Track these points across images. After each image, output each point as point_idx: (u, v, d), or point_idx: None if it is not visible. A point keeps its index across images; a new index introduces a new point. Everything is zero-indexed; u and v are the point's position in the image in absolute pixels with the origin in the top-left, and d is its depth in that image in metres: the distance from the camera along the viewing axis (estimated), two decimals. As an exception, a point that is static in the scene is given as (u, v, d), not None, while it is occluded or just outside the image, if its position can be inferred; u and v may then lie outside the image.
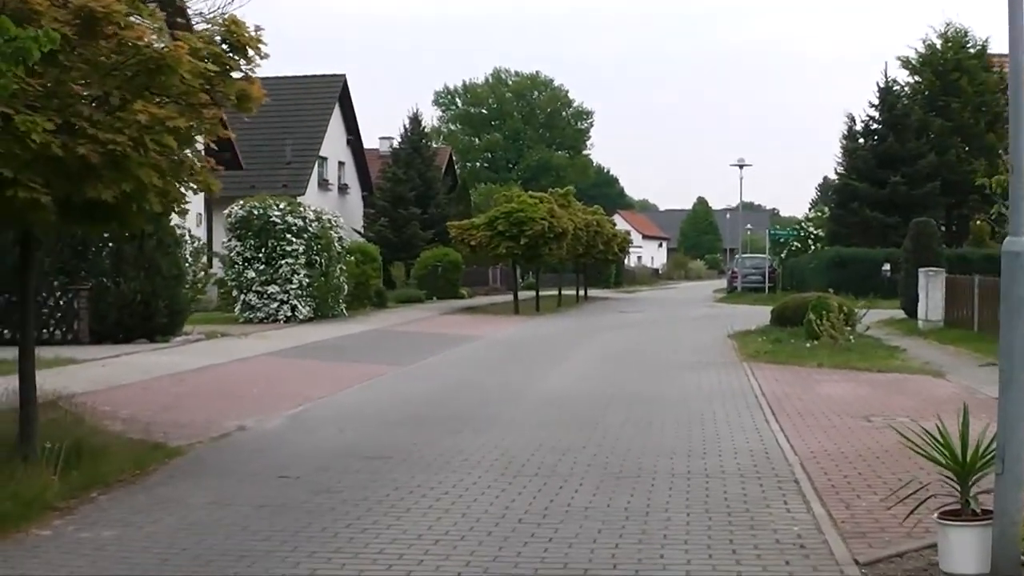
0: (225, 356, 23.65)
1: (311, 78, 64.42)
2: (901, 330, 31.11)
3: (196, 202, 43.52)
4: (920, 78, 59.30)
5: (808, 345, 24.53)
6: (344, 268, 37.56)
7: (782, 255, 68.32)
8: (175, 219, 38.28)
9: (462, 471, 11.35)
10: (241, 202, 35.19)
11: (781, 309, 30.82)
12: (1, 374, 14.95)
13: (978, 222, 48.91)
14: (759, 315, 35.13)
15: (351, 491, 10.45)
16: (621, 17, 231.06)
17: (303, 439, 13.67)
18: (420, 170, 64.50)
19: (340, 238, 37.14)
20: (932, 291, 31.02)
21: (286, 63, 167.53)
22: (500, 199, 46.26)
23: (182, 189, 12.53)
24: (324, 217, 36.05)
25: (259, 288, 34.14)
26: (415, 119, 67.05)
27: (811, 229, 69.01)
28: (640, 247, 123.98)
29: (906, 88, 60.23)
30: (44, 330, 26.04)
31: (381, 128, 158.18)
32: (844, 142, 60.14)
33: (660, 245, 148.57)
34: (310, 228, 34.74)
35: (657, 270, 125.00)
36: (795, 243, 68.66)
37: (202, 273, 37.78)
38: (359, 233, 59.72)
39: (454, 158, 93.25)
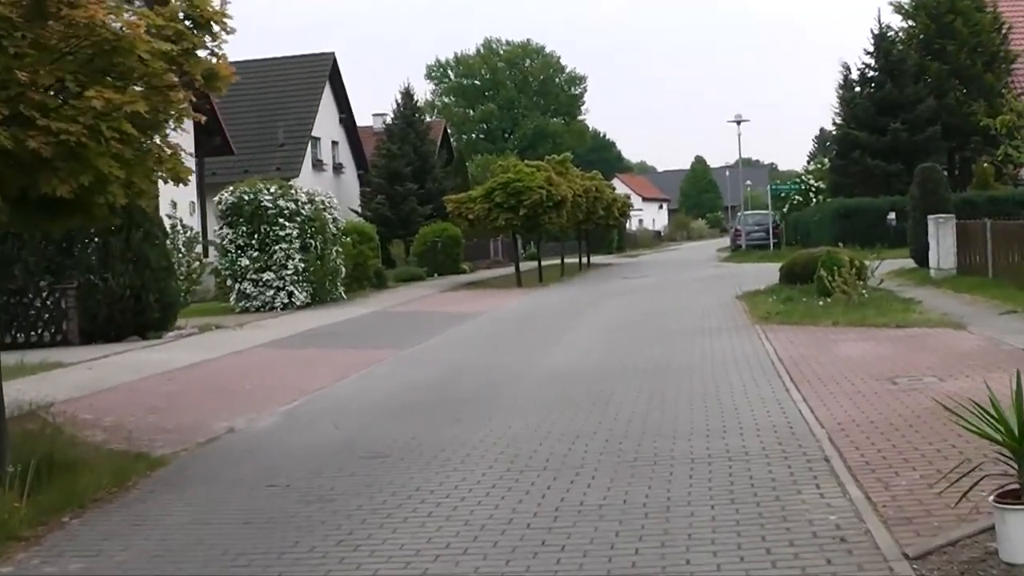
0: (219, 350, 22.81)
1: (300, 58, 63.62)
2: (913, 280, 30.25)
3: (189, 190, 42.81)
4: (914, 22, 58.33)
5: (820, 303, 23.69)
6: (340, 250, 36.67)
7: (784, 210, 67.42)
8: (166, 208, 37.96)
9: (464, 468, 10.51)
10: (231, 188, 34.30)
11: (790, 266, 29.94)
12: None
13: (985, 164, 47.91)
14: (766, 273, 34.33)
15: (344, 499, 9.61)
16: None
17: (296, 438, 12.84)
18: (415, 145, 63.65)
19: (335, 219, 36.21)
20: (943, 238, 30.17)
21: (274, 45, 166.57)
22: (497, 170, 45.29)
23: (151, 179, 11.63)
24: (317, 199, 35.15)
25: (254, 276, 33.28)
26: (407, 93, 66.10)
27: (812, 182, 68.29)
28: (641, 210, 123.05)
29: (900, 33, 59.28)
30: (32, 332, 25.33)
31: (375, 105, 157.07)
32: (841, 92, 59.29)
33: (661, 207, 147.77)
34: (303, 211, 33.84)
35: (659, 232, 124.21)
36: (797, 197, 67.85)
37: (196, 263, 36.99)
38: (356, 213, 58.91)
39: (449, 131, 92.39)
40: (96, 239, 25.67)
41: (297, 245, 33.44)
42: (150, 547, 8.62)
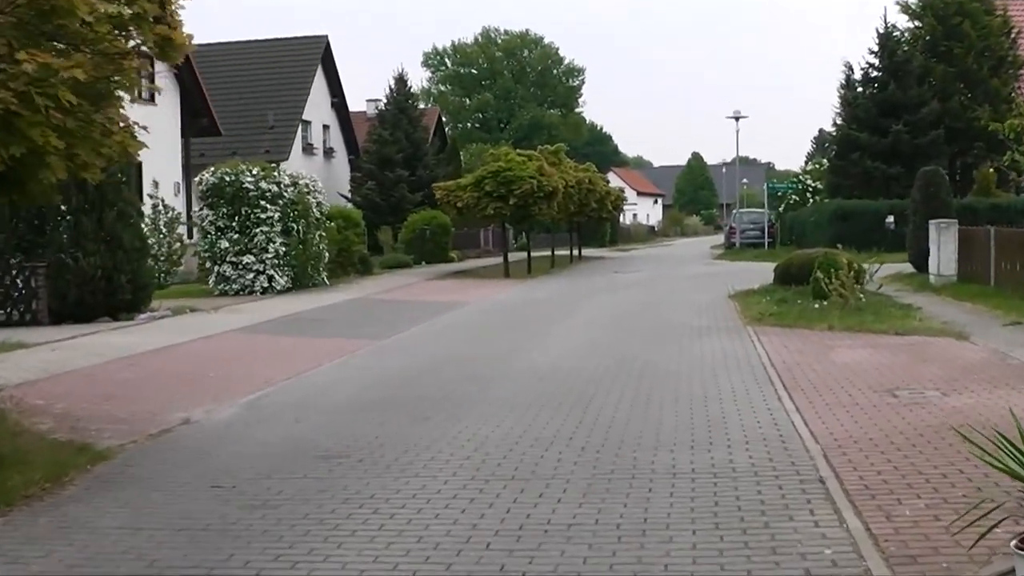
0: (189, 334, 21.92)
1: (292, 40, 62.94)
2: (912, 286, 29.43)
3: (174, 170, 41.98)
4: (920, 23, 57.46)
5: (816, 306, 22.86)
6: (324, 235, 35.78)
7: (780, 209, 66.61)
8: (148, 187, 37.09)
9: (426, 474, 9.65)
10: (212, 168, 33.38)
11: (785, 266, 29.06)
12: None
13: (990, 169, 47.05)
14: (760, 272, 33.54)
15: (292, 506, 8.75)
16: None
17: (253, 433, 11.98)
18: (407, 131, 62.85)
19: (319, 203, 35.30)
20: (944, 244, 29.33)
21: (269, 28, 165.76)
22: (488, 158, 44.39)
23: (98, 152, 10.76)
24: (301, 182, 34.24)
25: (233, 259, 32.41)
26: (400, 79, 65.29)
27: (809, 182, 67.50)
28: (635, 204, 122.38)
29: (906, 34, 58.43)
30: (1, 311, 24.51)
31: (370, 91, 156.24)
32: (842, 92, 58.42)
33: (655, 202, 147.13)
34: (286, 194, 32.96)
35: (653, 227, 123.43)
36: (793, 197, 67.06)
37: (178, 244, 36.18)
38: (345, 198, 58.17)
39: (443, 119, 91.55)
40: (68, 217, 24.85)
41: (279, 228, 32.58)
42: (71, 555, 7.76)
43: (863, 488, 8.60)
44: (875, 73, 56.42)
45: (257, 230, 32.31)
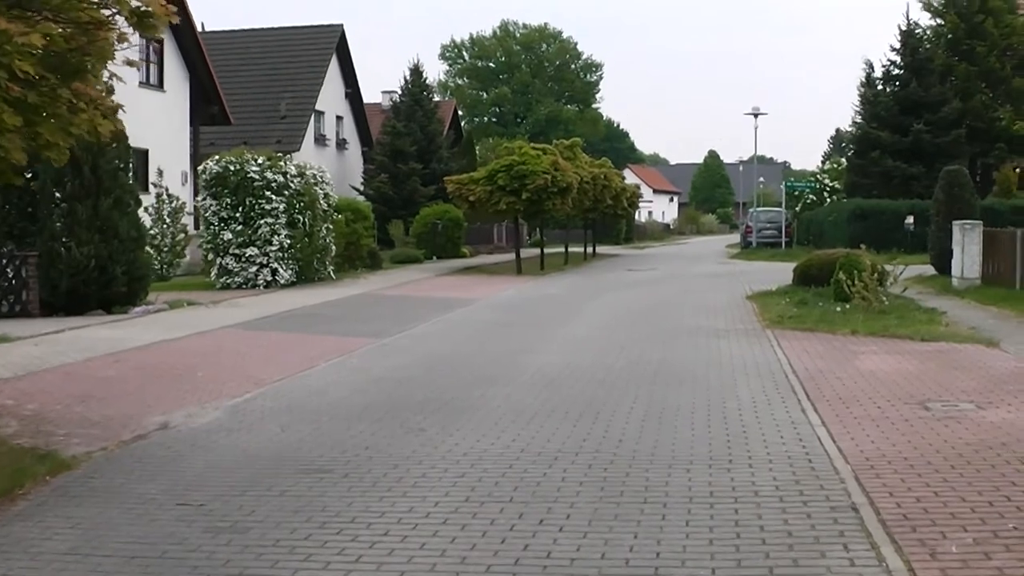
0: (183, 329, 21.02)
1: (307, 28, 62.12)
2: (934, 288, 28.43)
3: (181, 159, 41.10)
4: (943, 20, 56.62)
5: (838, 309, 21.86)
6: (331, 227, 34.86)
7: (797, 208, 65.57)
8: (153, 176, 36.20)
9: (415, 494, 8.70)
10: (216, 157, 32.47)
11: (805, 267, 28.04)
12: None
13: (1016, 169, 46.02)
14: (777, 272, 32.63)
15: (263, 530, 7.81)
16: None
17: (234, 441, 11.07)
18: (421, 123, 62.09)
19: (326, 195, 34.37)
20: (968, 246, 28.31)
21: (285, 15, 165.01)
22: (502, 151, 43.44)
23: (67, 131, 9.86)
24: (308, 172, 33.33)
25: (236, 251, 31.52)
26: (416, 70, 64.53)
27: (827, 181, 66.53)
28: (651, 202, 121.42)
29: (928, 32, 57.57)
30: (-9, 302, 23.73)
31: (387, 83, 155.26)
32: (862, 89, 57.57)
33: (671, 199, 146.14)
34: (292, 184, 32.05)
35: (668, 225, 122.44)
36: (811, 196, 66.08)
37: (182, 235, 35.33)
38: (357, 190, 57.40)
39: (460, 112, 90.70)
40: (63, 204, 24.00)
41: (284, 220, 31.70)
42: (6, 585, 6.87)
43: (901, 518, 7.63)
44: (896, 71, 55.64)
45: (261, 221, 31.45)
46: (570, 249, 51.87)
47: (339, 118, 61.67)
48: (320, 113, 58.61)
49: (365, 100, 65.66)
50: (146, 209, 33.34)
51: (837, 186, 63.69)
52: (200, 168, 33.37)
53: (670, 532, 7.53)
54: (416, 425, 11.54)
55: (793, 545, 7.17)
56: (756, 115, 66.94)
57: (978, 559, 6.76)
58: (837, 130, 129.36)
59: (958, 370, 14.70)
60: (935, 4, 56.79)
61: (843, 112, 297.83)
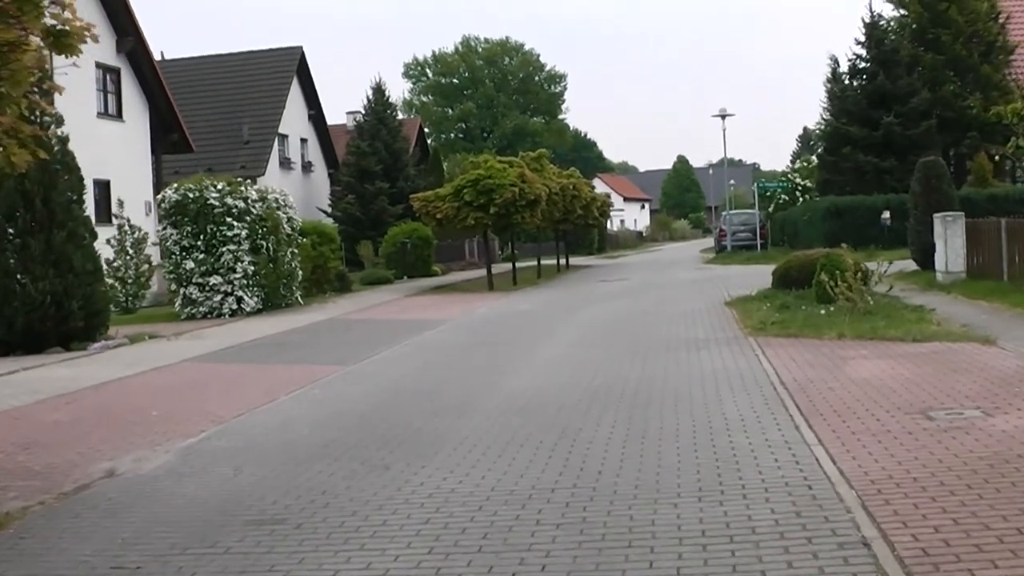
0: (141, 365, 20.11)
1: (266, 52, 61.45)
2: (918, 284, 27.72)
3: (144, 189, 40.08)
4: (906, 11, 56.02)
5: (822, 311, 21.05)
6: (296, 252, 33.94)
7: (770, 209, 64.86)
8: (115, 207, 35.24)
9: (374, 546, 7.78)
10: (175, 185, 31.53)
11: (784, 269, 27.20)
12: None
13: (997, 157, 45.27)
14: (755, 276, 31.89)
15: (200, 598, 6.94)
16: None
17: (182, 489, 10.14)
18: (386, 142, 61.29)
19: (290, 219, 33.45)
20: (951, 238, 27.64)
21: (245, 42, 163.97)
22: (467, 166, 42.58)
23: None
24: (270, 196, 32.41)
25: (200, 280, 30.55)
26: (378, 89, 63.75)
27: (799, 180, 65.90)
28: (622, 210, 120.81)
29: (892, 23, 56.99)
30: (-56, 341, 22.81)
31: (351, 104, 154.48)
32: (829, 85, 56.95)
33: (642, 207, 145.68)
34: (253, 209, 31.13)
35: (641, 233, 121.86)
36: (783, 196, 65.41)
37: (145, 266, 34.37)
38: (324, 212, 56.59)
39: (426, 129, 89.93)
40: (16, 239, 23.09)
41: (247, 246, 30.76)
42: None
43: (921, 555, 6.74)
44: (863, 64, 54.97)
45: (224, 249, 30.51)
46: (543, 262, 51.05)
47: (303, 140, 60.85)
48: (284, 136, 57.80)
49: (330, 121, 64.96)
50: (108, 241, 32.48)
51: (809, 184, 63.04)
52: (159, 197, 32.44)
53: (660, 582, 6.66)
54: (380, 462, 10.64)
55: (801, 593, 6.31)
56: (724, 117, 66.21)
57: (1014, 601, 5.92)
58: (805, 128, 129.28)
59: (957, 372, 13.87)
60: (897, -6, 56.27)
61: (810, 110, 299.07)
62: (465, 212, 38.37)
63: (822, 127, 60.14)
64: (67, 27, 9.30)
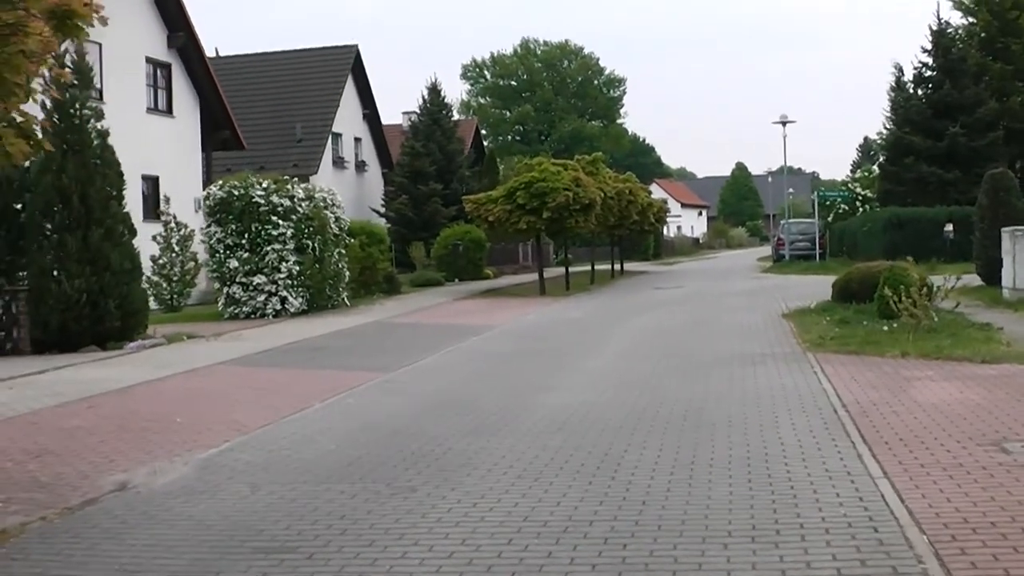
0: (174, 367, 19.47)
1: (321, 50, 60.96)
2: (983, 301, 26.65)
3: (194, 186, 39.60)
4: (975, 19, 54.83)
5: (884, 327, 20.11)
6: (343, 252, 33.29)
7: (829, 219, 63.70)
8: (162, 204, 34.72)
9: (388, 588, 7.04)
10: (220, 182, 30.97)
11: (844, 282, 26.19)
12: None
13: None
14: (814, 287, 30.96)
15: (187, 645, 6.18)
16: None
17: (193, 508, 9.41)
18: (440, 143, 60.62)
19: (338, 218, 32.81)
20: (1020, 254, 26.53)
21: (303, 39, 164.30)
22: (521, 168, 41.80)
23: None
24: (317, 195, 31.78)
25: (243, 279, 29.97)
26: (434, 89, 63.10)
27: (859, 190, 64.72)
28: (679, 216, 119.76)
29: (960, 31, 55.79)
30: (-21, 340, 22.34)
31: (408, 104, 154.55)
32: (892, 94, 55.88)
33: (700, 213, 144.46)
34: (299, 208, 30.50)
35: (697, 239, 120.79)
36: (843, 205, 64.27)
37: (191, 264, 33.77)
38: (377, 212, 55.99)
39: (482, 131, 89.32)
40: (53, 235, 22.57)
41: (292, 246, 30.16)
42: None
43: (1006, 619, 5.92)
44: (928, 73, 53.85)
45: (268, 248, 29.92)
46: (597, 267, 50.23)
47: (357, 140, 60.29)
48: (337, 135, 57.25)
49: (386, 121, 64.35)
50: (154, 238, 31.99)
51: (869, 194, 61.88)
52: (203, 194, 31.91)
53: (706, 644, 5.83)
54: (406, 483, 9.86)
55: (868, 664, 5.46)
56: (784, 123, 65.04)
57: None
58: (865, 138, 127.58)
59: (1031, 399, 12.94)
60: (966, 2, 55.06)
61: (871, 120, 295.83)
62: (517, 215, 37.62)
63: (884, 137, 59.07)
64: (72, 7, 8.60)
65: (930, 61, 53.51)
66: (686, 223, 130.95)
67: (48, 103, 20.11)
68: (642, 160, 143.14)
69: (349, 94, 59.01)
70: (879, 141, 68.45)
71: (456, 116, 72.52)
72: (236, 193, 29.99)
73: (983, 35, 53.66)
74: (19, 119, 8.64)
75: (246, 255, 29.92)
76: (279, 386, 17.36)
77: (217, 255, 30.41)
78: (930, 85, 53.41)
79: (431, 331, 26.03)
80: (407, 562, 7.49)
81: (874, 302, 21.99)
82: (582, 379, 16.80)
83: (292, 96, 56.86)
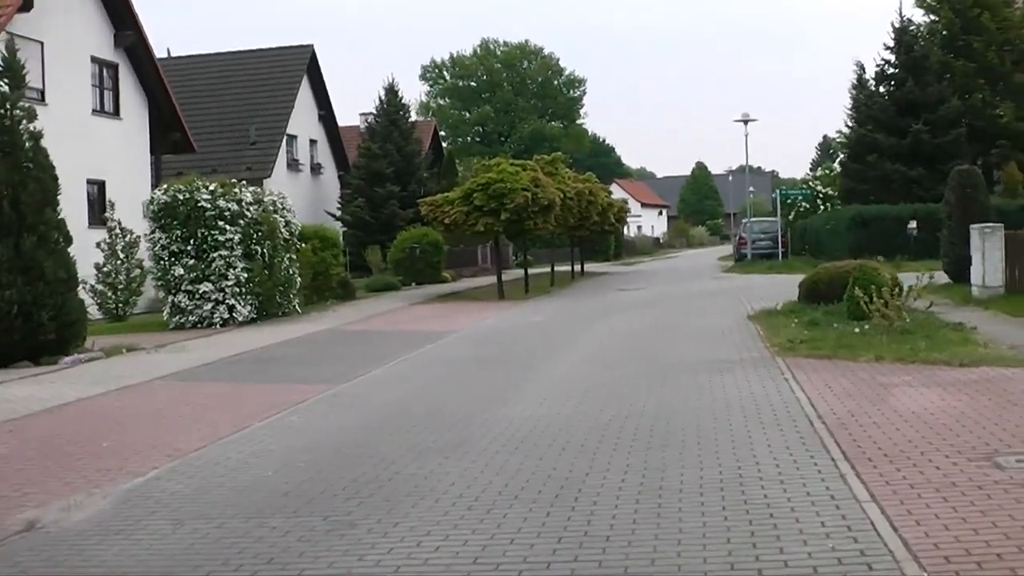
0: (109, 383, 18.36)
1: (276, 50, 59.97)
2: (952, 299, 25.89)
3: (143, 190, 38.39)
4: (937, 17, 54.45)
5: (856, 329, 19.28)
6: (295, 258, 32.24)
7: (790, 217, 63.12)
8: (108, 209, 33.55)
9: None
10: (164, 186, 29.87)
11: (812, 282, 25.34)
12: None
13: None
14: (777, 287, 30.29)
15: None
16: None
17: (105, 552, 8.39)
18: (398, 144, 59.70)
19: (288, 222, 31.76)
20: (990, 251, 25.87)
21: (258, 40, 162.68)
22: (479, 169, 40.85)
23: None
24: (267, 199, 30.73)
25: (189, 287, 28.86)
26: (391, 90, 62.19)
27: (820, 188, 64.28)
28: (639, 216, 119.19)
29: (922, 29, 55.43)
30: (-94, 357, 21.16)
31: (365, 105, 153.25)
32: (854, 92, 55.46)
33: (660, 213, 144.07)
34: (248, 212, 29.44)
35: (658, 239, 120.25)
36: (804, 204, 63.78)
37: (137, 271, 32.63)
38: (333, 216, 54.97)
39: (441, 132, 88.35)
40: (-21, 246, 21.42)
41: (239, 252, 29.06)
42: None
43: None
44: (891, 70, 53.37)
45: (215, 254, 28.83)
46: (557, 268, 49.37)
47: (313, 142, 59.28)
48: (292, 137, 56.25)
49: (342, 123, 63.36)
50: (98, 244, 30.92)
51: (831, 192, 61.37)
52: (147, 199, 30.81)
53: None
54: (345, 517, 8.90)
55: None
56: (746, 122, 64.28)
57: None
58: (825, 137, 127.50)
59: (1018, 406, 12.09)
60: (928, 1, 54.62)
61: (830, 118, 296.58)
62: (475, 217, 36.67)
63: (845, 135, 58.66)
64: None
65: (893, 59, 53.07)
66: (647, 223, 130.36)
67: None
68: (602, 160, 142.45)
69: (304, 95, 57.98)
70: (839, 139, 67.98)
71: (415, 117, 71.58)
72: (181, 197, 28.87)
73: (945, 33, 53.33)
74: None
75: (192, 262, 28.83)
76: (219, 402, 16.32)
77: (162, 262, 29.27)
78: (893, 83, 52.96)
79: (385, 338, 25.07)
80: (338, 616, 6.54)
81: (843, 303, 21.21)
82: (540, 390, 15.85)
83: (246, 97, 55.76)
